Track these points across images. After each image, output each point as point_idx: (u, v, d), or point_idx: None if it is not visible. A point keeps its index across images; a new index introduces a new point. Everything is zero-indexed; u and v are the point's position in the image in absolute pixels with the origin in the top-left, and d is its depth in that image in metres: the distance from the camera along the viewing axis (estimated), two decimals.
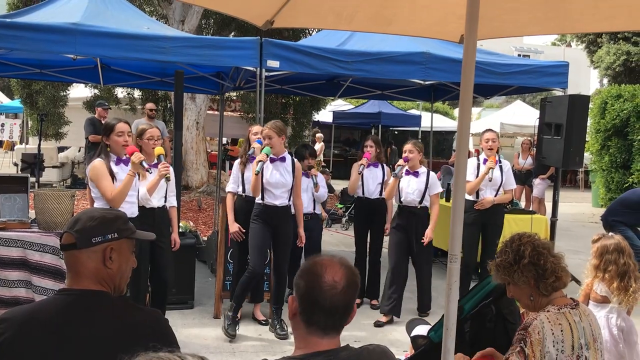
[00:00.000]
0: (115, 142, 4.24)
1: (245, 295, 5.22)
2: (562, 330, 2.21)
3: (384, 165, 6.23)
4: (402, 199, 5.66)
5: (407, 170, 5.63)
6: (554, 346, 2.19)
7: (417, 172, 5.64)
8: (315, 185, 5.75)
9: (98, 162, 4.22)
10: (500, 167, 6.08)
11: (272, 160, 5.07)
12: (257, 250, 5.10)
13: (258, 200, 5.13)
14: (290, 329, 4.94)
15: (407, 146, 5.68)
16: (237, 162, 5.49)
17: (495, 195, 6.04)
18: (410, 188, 5.61)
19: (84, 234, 1.77)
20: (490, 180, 5.85)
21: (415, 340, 2.79)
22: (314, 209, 5.86)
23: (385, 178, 6.11)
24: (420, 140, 6.04)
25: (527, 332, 2.22)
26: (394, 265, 5.64)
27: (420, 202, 5.60)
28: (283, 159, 5.10)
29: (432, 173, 5.70)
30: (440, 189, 5.87)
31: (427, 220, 5.66)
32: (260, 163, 4.86)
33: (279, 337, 5.13)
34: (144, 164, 4.15)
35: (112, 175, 4.18)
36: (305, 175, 5.73)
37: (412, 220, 5.60)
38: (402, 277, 5.66)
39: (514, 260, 2.30)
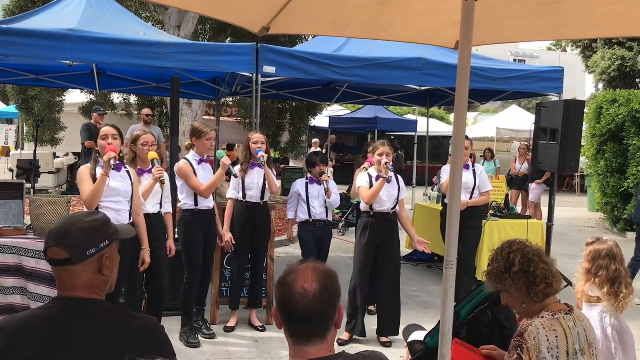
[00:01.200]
0: (101, 146, 4.26)
1: (191, 306, 5.20)
2: (556, 336, 2.21)
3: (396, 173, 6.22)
4: (374, 205, 5.26)
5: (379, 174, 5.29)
6: (549, 352, 2.19)
7: (390, 177, 5.27)
8: (327, 191, 5.57)
9: (83, 167, 4.28)
10: (474, 170, 6.31)
11: (200, 162, 5.12)
12: (196, 258, 5.11)
13: (190, 207, 5.08)
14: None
15: (385, 148, 5.22)
16: (237, 168, 5.49)
17: (470, 198, 6.19)
18: (385, 194, 5.26)
19: (78, 248, 1.72)
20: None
21: (412, 346, 2.79)
22: (327, 216, 5.74)
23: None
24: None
25: (523, 338, 2.22)
26: (362, 280, 5.27)
27: (394, 207, 5.32)
28: (207, 161, 5.14)
29: (399, 176, 5.44)
30: (406, 195, 5.63)
31: (397, 225, 5.38)
32: (230, 166, 4.96)
33: (199, 340, 5.06)
34: (112, 162, 4.11)
35: (95, 180, 4.16)
36: (317, 182, 5.71)
37: (388, 227, 5.28)
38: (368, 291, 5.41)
39: (504, 268, 2.31)
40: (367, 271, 5.26)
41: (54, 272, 1.77)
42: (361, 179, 5.39)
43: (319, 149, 17.92)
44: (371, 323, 5.67)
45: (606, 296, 3.31)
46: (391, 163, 5.22)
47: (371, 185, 5.26)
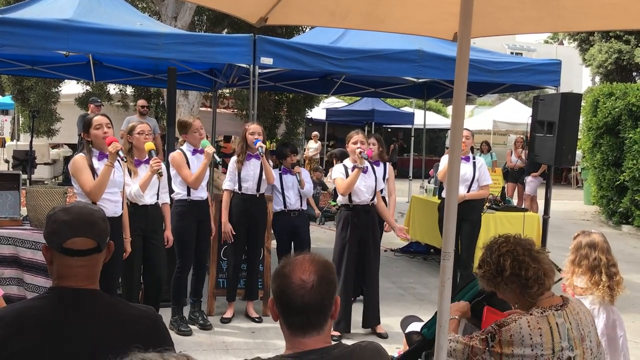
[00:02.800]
0: (95, 135, 4.12)
1: (183, 295, 5.23)
2: (541, 335, 2.19)
3: (386, 163, 6.24)
4: (353, 198, 5.13)
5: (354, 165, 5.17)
6: (532, 350, 2.18)
7: (365, 167, 5.17)
8: (300, 182, 5.67)
9: (78, 157, 4.16)
10: (474, 163, 6.23)
11: (195, 152, 5.12)
12: (186, 247, 5.13)
13: (182, 197, 5.11)
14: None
15: (359, 137, 5.12)
16: (233, 160, 5.49)
17: (468, 191, 6.12)
18: (363, 185, 5.13)
19: (104, 236, 1.78)
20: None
21: (409, 336, 2.80)
22: (301, 206, 5.80)
23: (387, 176, 6.13)
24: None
25: (500, 330, 2.22)
26: (347, 276, 5.12)
27: (372, 199, 5.21)
28: (202, 152, 5.11)
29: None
30: (384, 185, 5.65)
31: (377, 218, 5.31)
32: (214, 154, 4.97)
33: (190, 328, 5.11)
34: (120, 153, 4.05)
35: (93, 170, 4.08)
36: (290, 173, 5.73)
37: (369, 220, 5.18)
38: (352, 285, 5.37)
39: (495, 272, 2.28)
40: (351, 267, 5.15)
41: (68, 263, 1.73)
42: (336, 171, 5.30)
43: (318, 143, 17.94)
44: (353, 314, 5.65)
45: (588, 286, 3.36)
46: (367, 152, 5.09)
47: (347, 177, 5.14)
